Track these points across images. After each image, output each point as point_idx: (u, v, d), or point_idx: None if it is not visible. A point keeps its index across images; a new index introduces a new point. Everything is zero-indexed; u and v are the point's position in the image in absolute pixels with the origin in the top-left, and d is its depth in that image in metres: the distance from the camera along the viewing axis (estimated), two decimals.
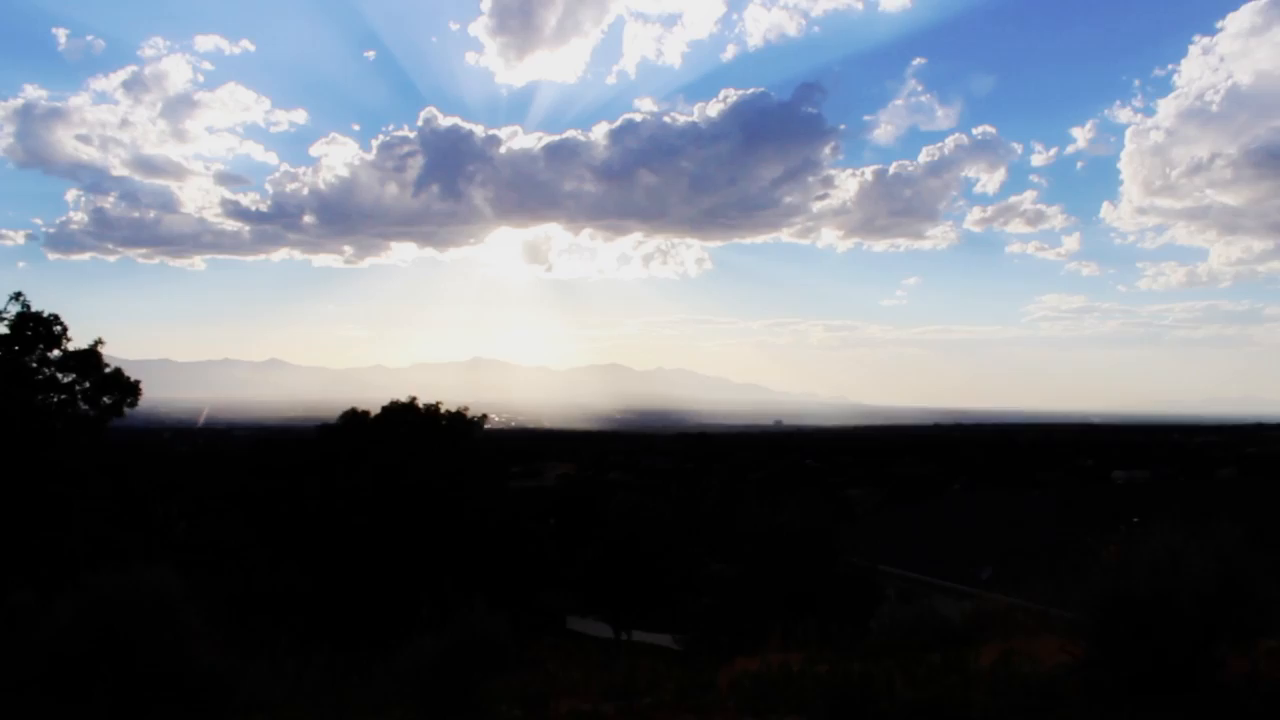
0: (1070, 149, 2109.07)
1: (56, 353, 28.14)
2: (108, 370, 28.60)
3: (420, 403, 40.16)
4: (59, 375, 28.12)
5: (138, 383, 29.04)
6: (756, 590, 31.97)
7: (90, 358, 28.40)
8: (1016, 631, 9.81)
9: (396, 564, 32.99)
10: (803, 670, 8.26)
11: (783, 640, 11.51)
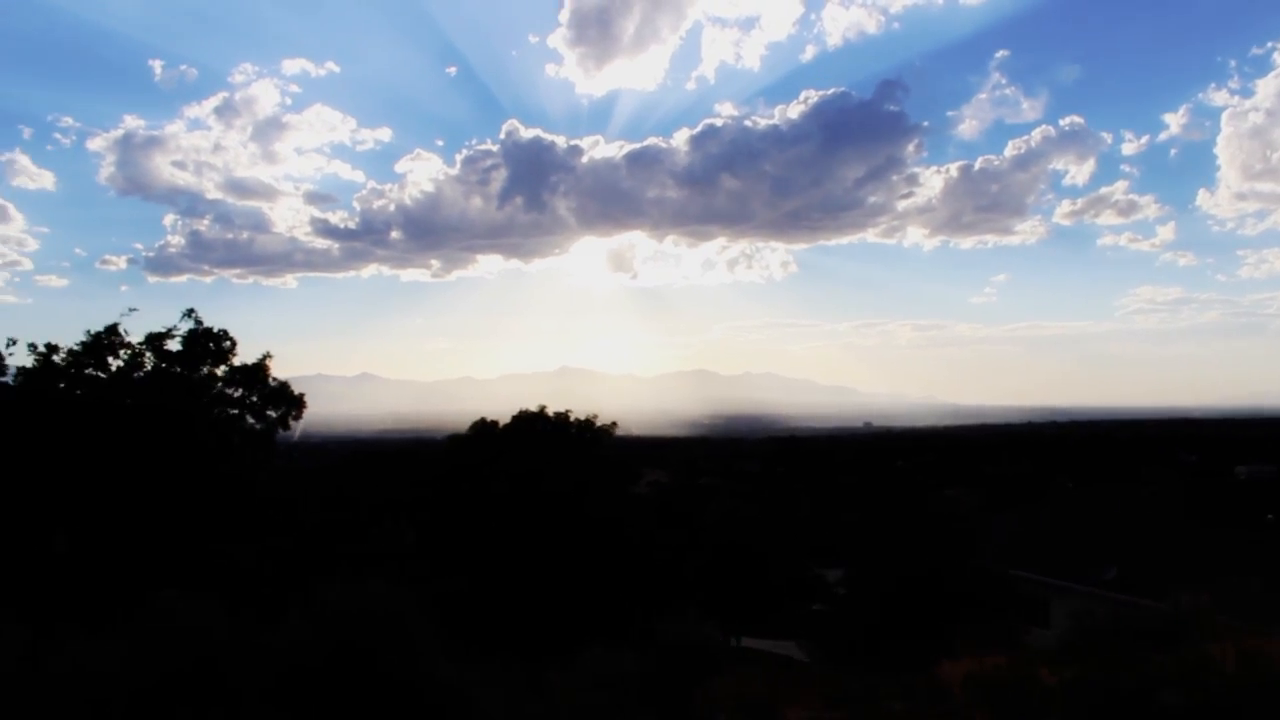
0: (1163, 136, 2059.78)
1: (223, 368, 28.55)
2: (273, 384, 28.91)
3: (550, 411, 40.05)
4: (228, 390, 28.54)
5: (301, 396, 29.33)
6: (879, 595, 31.94)
7: (258, 371, 28.77)
8: (1214, 632, 9.36)
9: (552, 574, 33.04)
10: (1025, 673, 7.99)
11: (948, 643, 11.19)
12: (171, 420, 26.30)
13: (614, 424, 41.06)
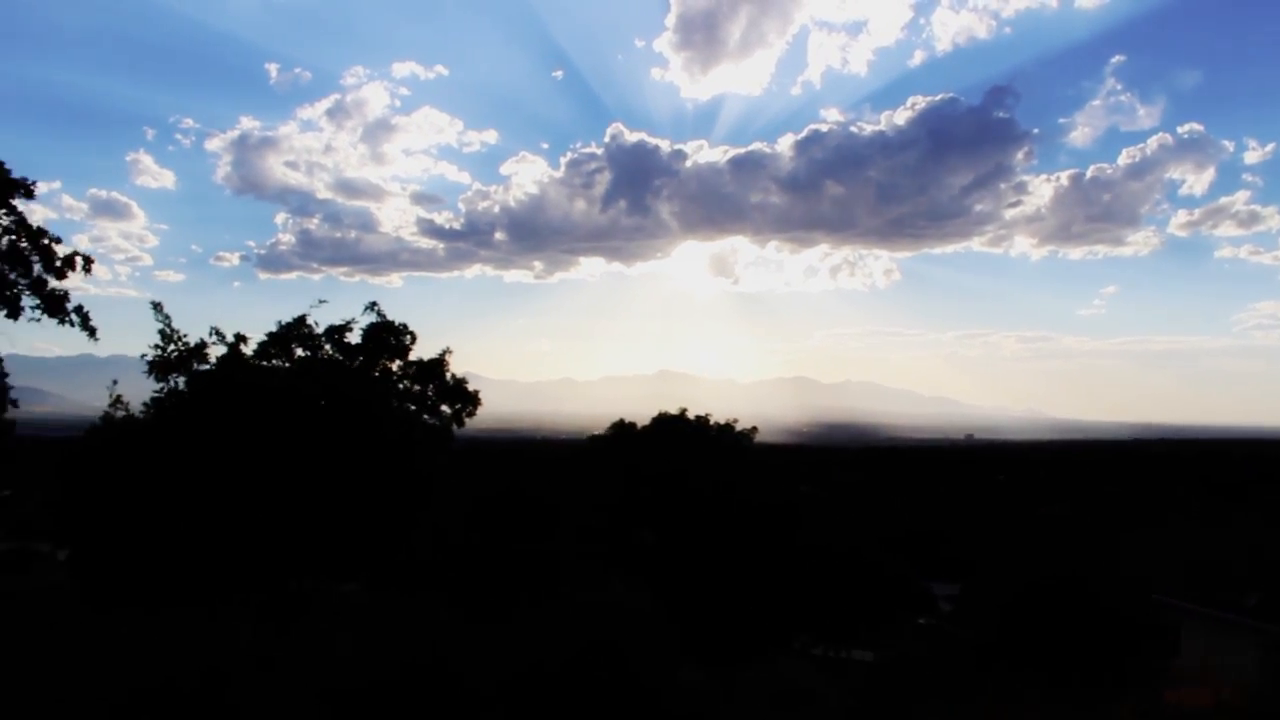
0: None
1: (400, 362, 28.21)
2: (450, 380, 28.44)
3: (690, 414, 39.65)
4: (406, 384, 28.24)
5: (477, 393, 28.91)
6: (1001, 611, 30.58)
7: (436, 366, 28.36)
8: None
9: (727, 582, 32.71)
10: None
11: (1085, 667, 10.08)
12: (357, 412, 26.21)
13: (754, 429, 40.22)
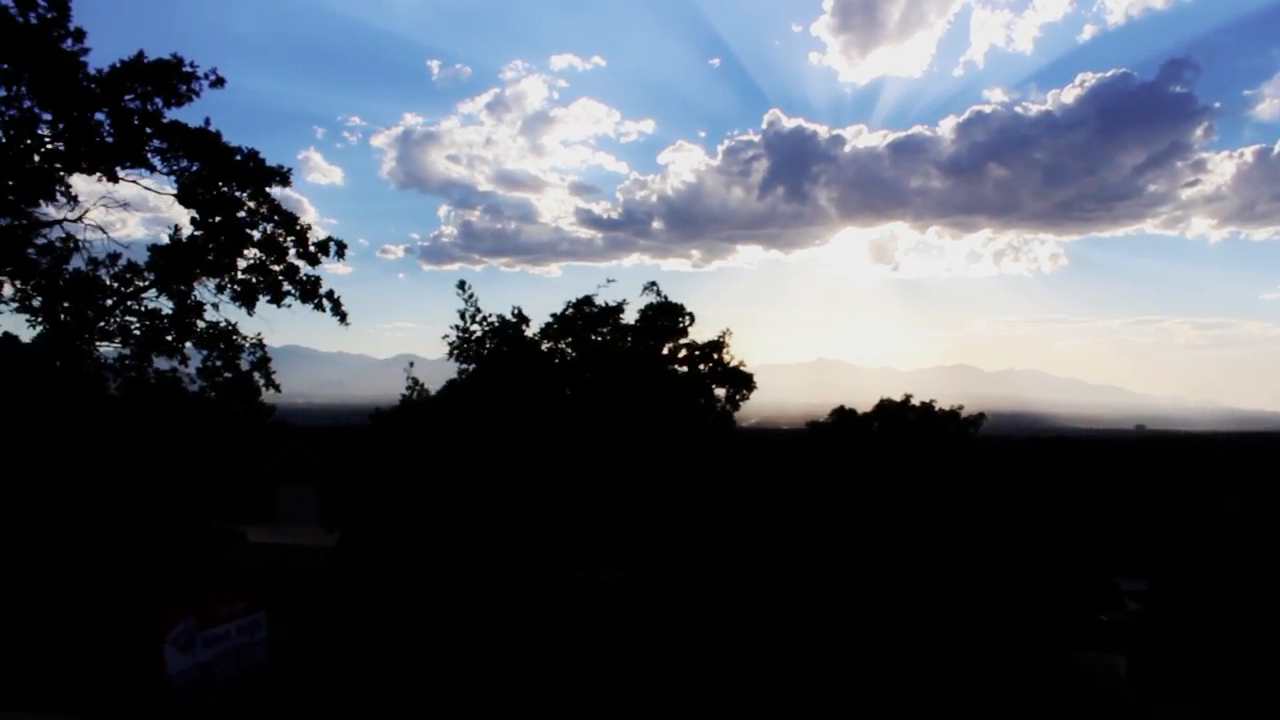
0: None
1: (676, 343, 27.90)
2: (729, 364, 28.11)
3: (915, 401, 38.15)
4: (682, 367, 27.94)
5: (751, 376, 28.37)
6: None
7: (716, 349, 28.08)
8: None
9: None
10: None
11: None
12: (654, 394, 26.10)
13: (981, 415, 38.80)
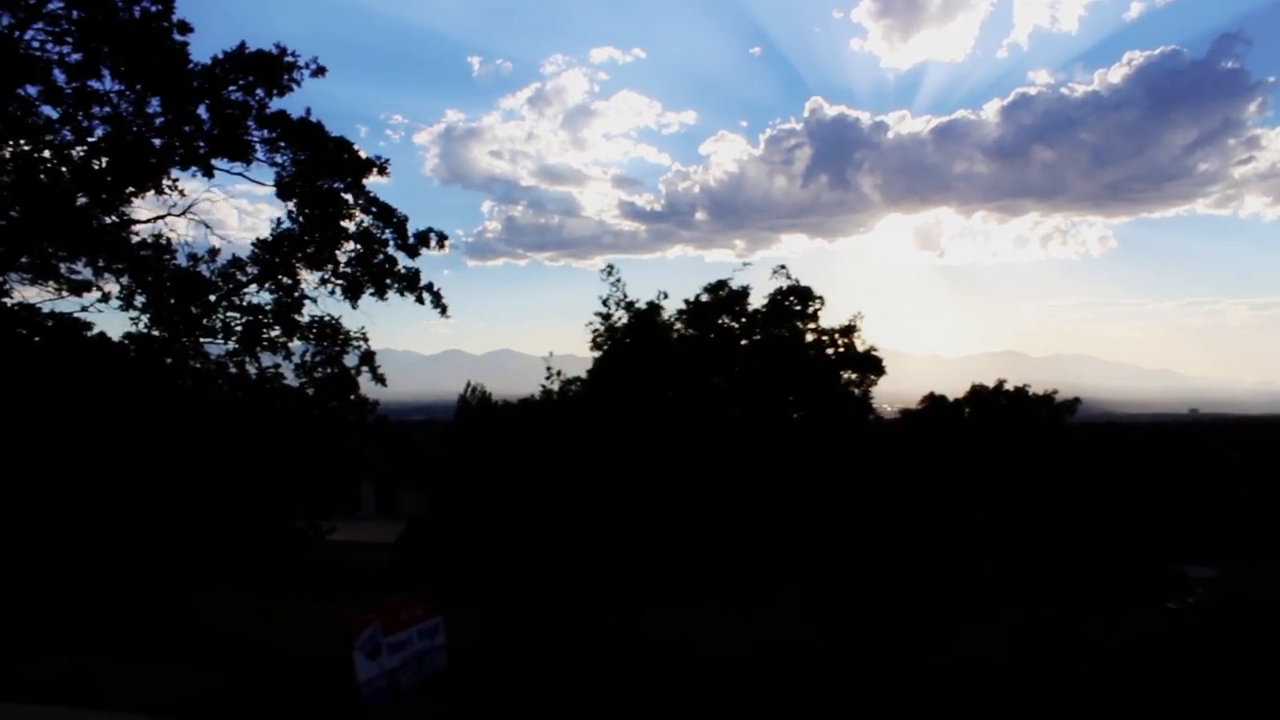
0: None
1: (812, 326, 27.25)
2: (859, 349, 27.62)
3: (1009, 385, 37.69)
4: (820, 351, 27.25)
5: (881, 361, 27.90)
6: None
7: (848, 332, 27.51)
8: None
9: None
10: None
11: None
12: (796, 385, 25.46)
13: (1076, 400, 38.53)
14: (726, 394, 25.21)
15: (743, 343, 25.97)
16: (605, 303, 26.30)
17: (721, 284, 26.31)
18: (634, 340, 25.33)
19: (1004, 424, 35.34)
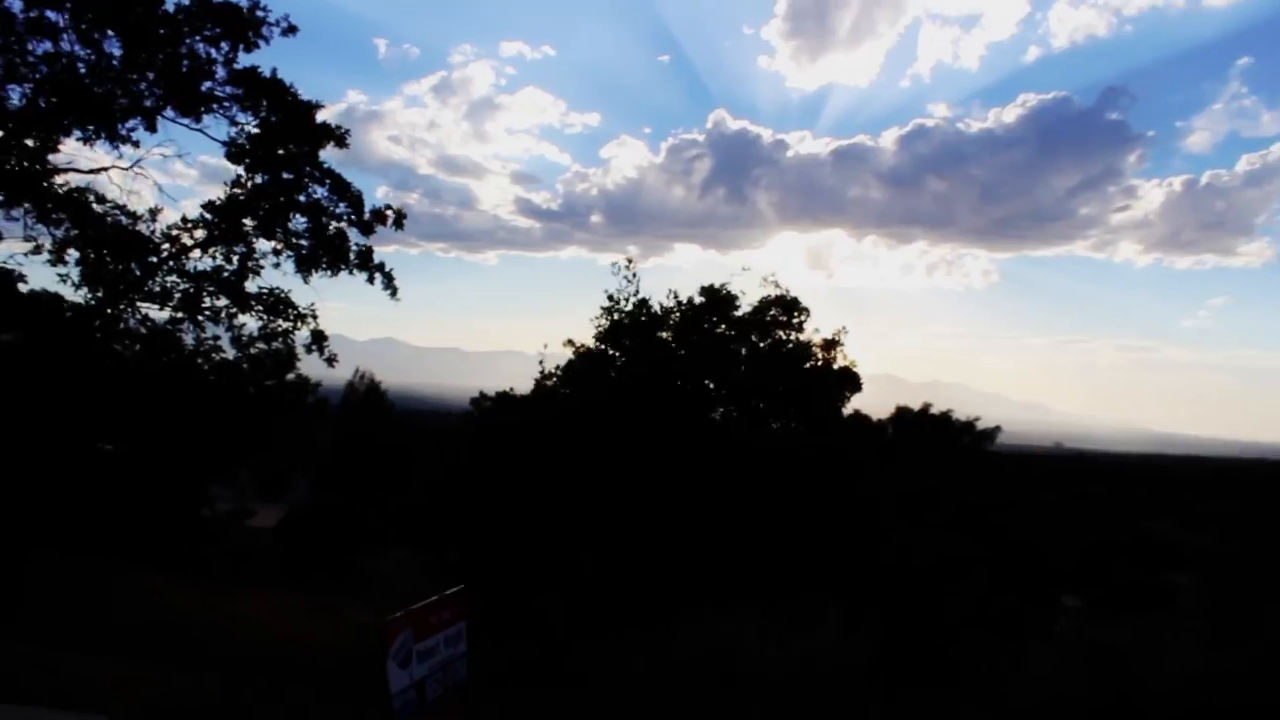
0: None
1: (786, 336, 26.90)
2: (836, 363, 27.31)
3: (934, 410, 38.03)
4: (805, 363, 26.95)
5: (859, 377, 27.57)
6: None
7: (830, 346, 27.28)
8: None
9: None
10: None
11: None
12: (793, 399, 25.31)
13: (997, 428, 38.96)
14: (721, 399, 24.66)
15: (740, 349, 25.53)
16: (612, 299, 25.65)
17: (714, 289, 25.82)
18: (632, 339, 24.56)
19: (933, 449, 35.41)
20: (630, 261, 25.81)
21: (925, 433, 37.20)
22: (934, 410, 38.14)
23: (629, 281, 25.30)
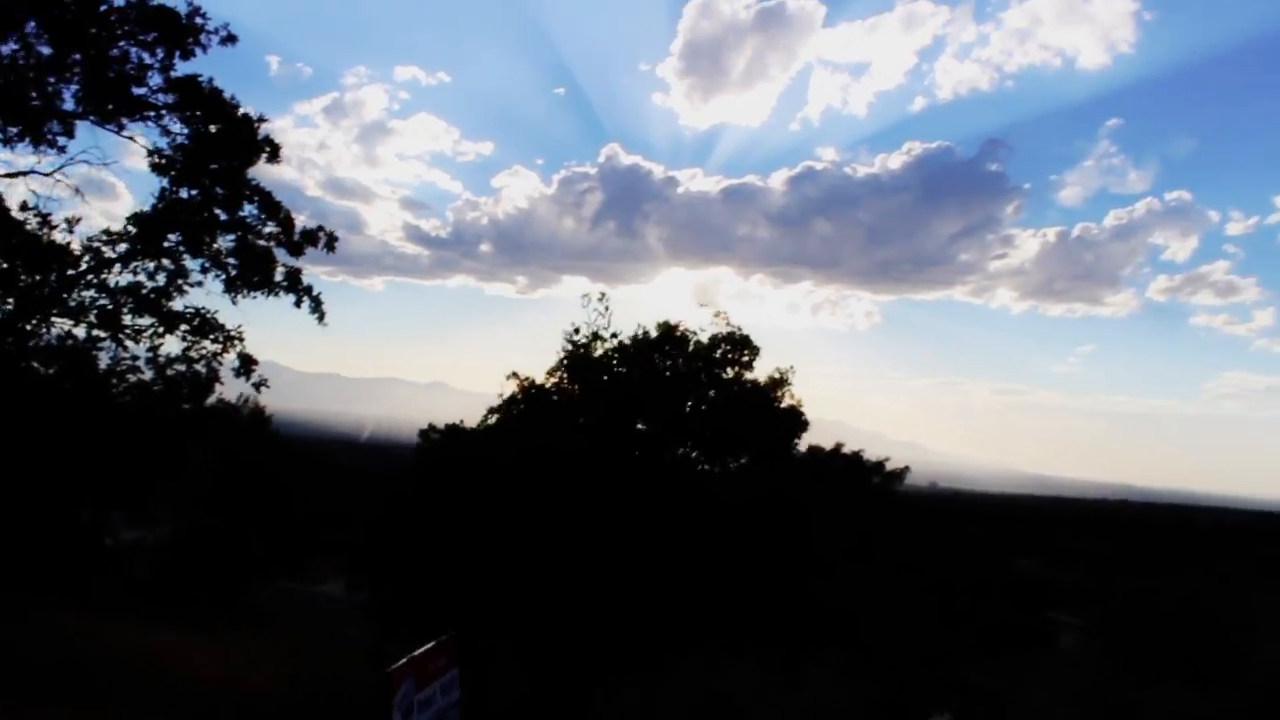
0: (1272, 219, 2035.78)
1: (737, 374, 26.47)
2: (783, 403, 26.93)
3: (845, 449, 36.80)
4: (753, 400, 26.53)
5: (804, 417, 27.49)
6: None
7: (778, 385, 27.03)
8: None
9: None
10: None
11: None
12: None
13: (906, 468, 37.79)
14: (678, 439, 24.02)
15: (698, 388, 24.98)
16: (576, 331, 24.99)
17: (672, 328, 25.25)
18: (597, 376, 23.89)
19: (853, 491, 35.28)
20: (603, 295, 25.12)
21: (838, 472, 36.96)
22: (845, 450, 37.90)
23: (600, 315, 24.46)
